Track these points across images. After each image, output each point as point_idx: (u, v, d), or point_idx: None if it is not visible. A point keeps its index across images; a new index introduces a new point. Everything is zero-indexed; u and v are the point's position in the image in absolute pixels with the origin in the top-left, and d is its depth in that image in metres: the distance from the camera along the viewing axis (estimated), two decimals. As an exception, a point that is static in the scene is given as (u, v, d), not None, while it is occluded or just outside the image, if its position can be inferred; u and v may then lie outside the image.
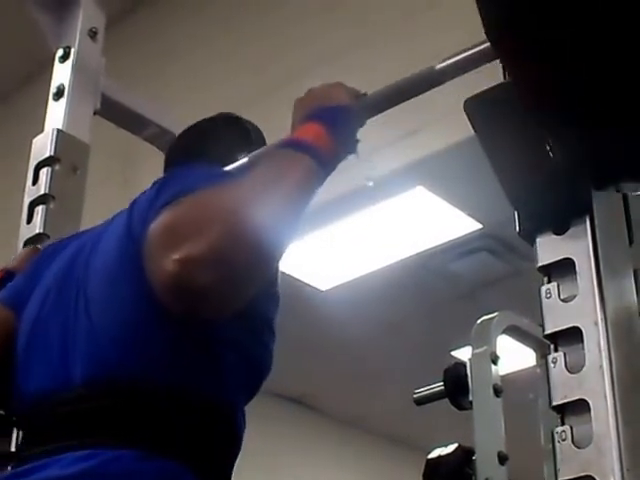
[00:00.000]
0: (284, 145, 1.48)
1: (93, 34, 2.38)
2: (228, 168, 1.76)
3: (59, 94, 2.34)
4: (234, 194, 1.32)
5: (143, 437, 1.38)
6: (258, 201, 1.31)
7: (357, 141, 1.60)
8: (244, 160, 1.80)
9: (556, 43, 1.24)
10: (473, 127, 1.79)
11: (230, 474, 1.54)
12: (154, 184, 1.51)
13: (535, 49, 1.25)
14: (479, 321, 2.82)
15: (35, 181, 2.28)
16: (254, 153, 1.82)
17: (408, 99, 1.74)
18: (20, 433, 2.40)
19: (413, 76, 1.75)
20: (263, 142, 1.93)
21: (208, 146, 1.89)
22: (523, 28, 1.25)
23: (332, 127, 1.51)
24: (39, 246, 2.12)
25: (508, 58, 1.31)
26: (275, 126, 5.10)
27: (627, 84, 1.29)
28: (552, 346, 1.81)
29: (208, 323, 1.42)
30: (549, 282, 1.83)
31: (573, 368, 1.75)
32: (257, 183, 1.34)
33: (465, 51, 1.69)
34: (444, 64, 1.74)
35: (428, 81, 1.76)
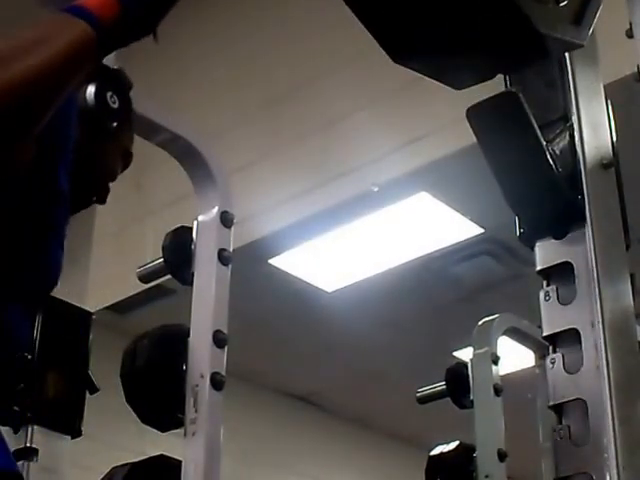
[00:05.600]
0: (65, 9, 1.27)
1: (106, 40, 2.42)
2: None
3: (72, 100, 2.37)
4: None
5: None
6: (6, 58, 1.16)
7: (157, 19, 1.33)
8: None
9: None
10: (475, 135, 1.84)
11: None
12: None
13: None
14: (480, 323, 2.87)
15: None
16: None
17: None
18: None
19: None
20: None
21: None
22: None
23: None
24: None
25: None
26: (284, 131, 5.10)
27: None
28: (551, 347, 1.86)
29: None
30: (548, 285, 1.88)
31: (571, 368, 1.80)
32: (13, 40, 1.19)
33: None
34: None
35: None
